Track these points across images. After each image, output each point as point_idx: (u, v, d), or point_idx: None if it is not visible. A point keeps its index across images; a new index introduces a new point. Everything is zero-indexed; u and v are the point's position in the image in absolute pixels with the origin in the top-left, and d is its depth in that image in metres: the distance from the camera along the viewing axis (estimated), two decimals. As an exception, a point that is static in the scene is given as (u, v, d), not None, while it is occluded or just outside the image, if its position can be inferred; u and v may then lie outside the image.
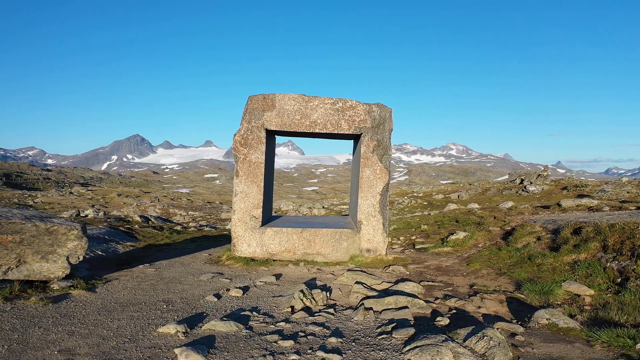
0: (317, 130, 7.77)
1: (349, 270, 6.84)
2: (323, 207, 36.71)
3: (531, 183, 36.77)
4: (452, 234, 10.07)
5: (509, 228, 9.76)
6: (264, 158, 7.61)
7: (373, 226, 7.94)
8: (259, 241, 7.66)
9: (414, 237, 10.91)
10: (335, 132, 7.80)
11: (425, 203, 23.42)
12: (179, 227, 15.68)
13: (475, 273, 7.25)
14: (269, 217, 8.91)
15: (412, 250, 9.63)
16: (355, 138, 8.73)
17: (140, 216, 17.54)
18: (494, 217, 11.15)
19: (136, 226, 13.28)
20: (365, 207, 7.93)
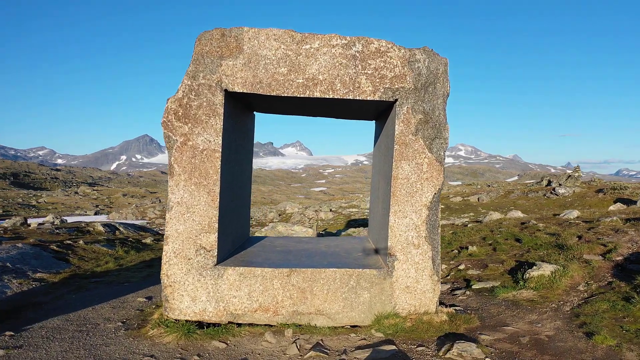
0: (317, 94, 4.36)
1: (375, 347, 3.42)
2: (330, 209, 33.32)
3: (560, 185, 32.95)
4: (525, 264, 6.58)
5: (620, 258, 6.25)
6: (220, 142, 4.20)
7: (415, 263, 4.51)
8: (213, 291, 4.26)
9: (461, 266, 7.43)
10: (350, 97, 4.38)
11: (442, 206, 19.88)
12: (149, 240, 12.37)
13: (613, 357, 3.81)
14: (236, 244, 5.48)
15: (466, 290, 6.15)
16: (382, 113, 5.29)
17: (106, 225, 14.25)
18: (579, 237, 7.63)
19: (81, 242, 9.97)
20: (402, 230, 4.49)
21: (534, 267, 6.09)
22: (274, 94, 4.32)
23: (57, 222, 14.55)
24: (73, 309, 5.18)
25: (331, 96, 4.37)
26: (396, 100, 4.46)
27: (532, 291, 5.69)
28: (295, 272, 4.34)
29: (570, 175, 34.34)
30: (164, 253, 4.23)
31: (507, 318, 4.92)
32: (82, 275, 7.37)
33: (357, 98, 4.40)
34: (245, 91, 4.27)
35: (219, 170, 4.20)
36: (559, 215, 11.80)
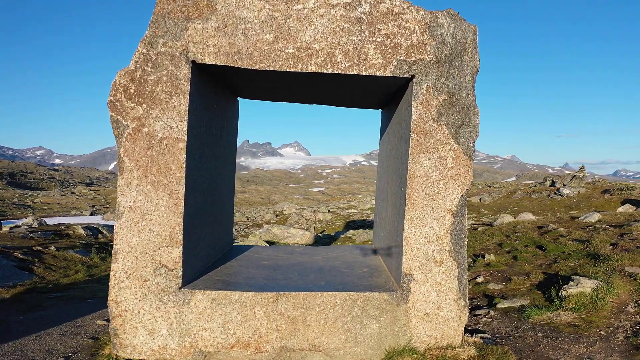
0: (311, 68, 3.38)
1: None
2: (329, 210, 32.37)
3: (564, 185, 32.03)
4: (557, 278, 5.62)
5: (672, 271, 5.30)
6: (186, 129, 3.22)
7: (437, 284, 3.54)
8: (176, 323, 3.28)
9: (479, 279, 6.46)
10: (354, 72, 3.40)
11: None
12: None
13: None
14: (212, 257, 4.51)
15: (490, 310, 5.18)
16: (392, 97, 4.32)
17: (88, 228, 13.26)
18: (613, 245, 6.67)
19: (52, 248, 8.98)
20: (420, 242, 3.52)
21: (571, 283, 5.12)
22: (256, 67, 3.34)
23: (35, 224, 13.54)
24: (11, 337, 4.19)
25: (330, 71, 3.40)
26: (413, 76, 3.49)
27: (571, 313, 4.72)
28: (284, 297, 3.36)
29: (574, 176, 33.46)
30: (112, 273, 3.26)
31: (549, 350, 3.95)
32: (42, 289, 6.38)
33: (363, 73, 3.43)
34: (219, 63, 3.30)
35: (184, 165, 3.22)
36: (577, 218, 10.84)
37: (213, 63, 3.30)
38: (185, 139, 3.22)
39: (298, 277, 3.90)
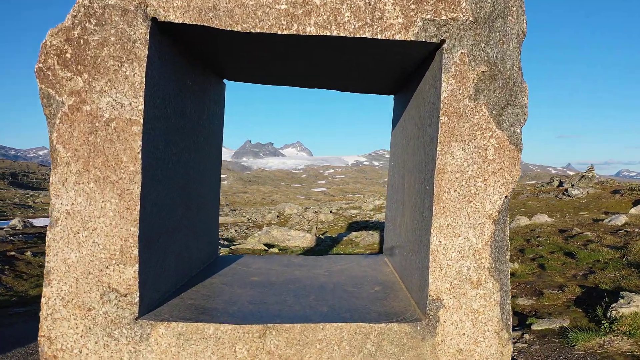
0: (310, 29, 2.56)
1: None
2: (331, 211, 31.55)
3: (573, 186, 31.16)
4: (599, 292, 4.80)
5: None
6: (142, 108, 2.40)
7: (474, 312, 2.72)
8: (131, 365, 2.47)
9: (504, 291, 5.63)
10: (365, 34, 2.59)
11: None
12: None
13: None
14: (187, 275, 3.70)
15: (524, 333, 4.35)
16: (408, 77, 3.50)
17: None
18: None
19: (28, 253, 8.20)
20: (452, 257, 2.71)
21: (621, 301, 4.29)
22: (237, 28, 2.53)
23: (19, 226, 12.78)
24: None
25: (335, 33, 2.58)
26: (443, 41, 2.67)
27: (626, 339, 3.90)
28: (273, 330, 2.55)
29: (583, 176, 32.56)
30: (43, 300, 2.46)
31: (611, 393, 3.13)
32: (4, 302, 5.59)
33: (378, 37, 2.61)
34: (188, 22, 2.49)
35: (140, 155, 2.41)
36: (601, 220, 9.99)
37: (180, 21, 2.49)
38: (142, 120, 2.41)
39: (294, 299, 3.08)
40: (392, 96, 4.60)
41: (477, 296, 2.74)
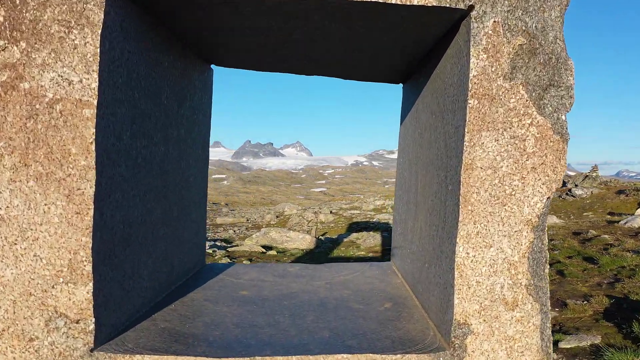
0: (309, -9, 2.06)
1: None
2: (331, 211, 31.04)
3: (576, 186, 30.70)
4: (626, 303, 4.31)
5: None
6: (96, 87, 1.91)
7: (508, 339, 2.22)
8: (83, 410, 1.97)
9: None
10: (378, -2, 2.08)
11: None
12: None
13: None
14: (165, 290, 3.18)
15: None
16: (426, 57, 3.00)
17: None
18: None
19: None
20: (482, 273, 2.21)
21: (660, 316, 3.80)
22: (219, -10, 2.03)
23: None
24: None
25: (339, -4, 2.08)
26: (471, 7, 2.17)
27: (672, 361, 3.40)
28: (262, 364, 2.05)
29: (587, 176, 32.08)
30: (-28, 329, 1.95)
31: None
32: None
33: (393, 2, 2.11)
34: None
35: (93, 146, 1.91)
36: (616, 222, 9.50)
37: (147, -20, 1.99)
38: (96, 102, 1.91)
39: (289, 320, 2.58)
40: (400, 85, 4.11)
41: (512, 320, 2.24)
